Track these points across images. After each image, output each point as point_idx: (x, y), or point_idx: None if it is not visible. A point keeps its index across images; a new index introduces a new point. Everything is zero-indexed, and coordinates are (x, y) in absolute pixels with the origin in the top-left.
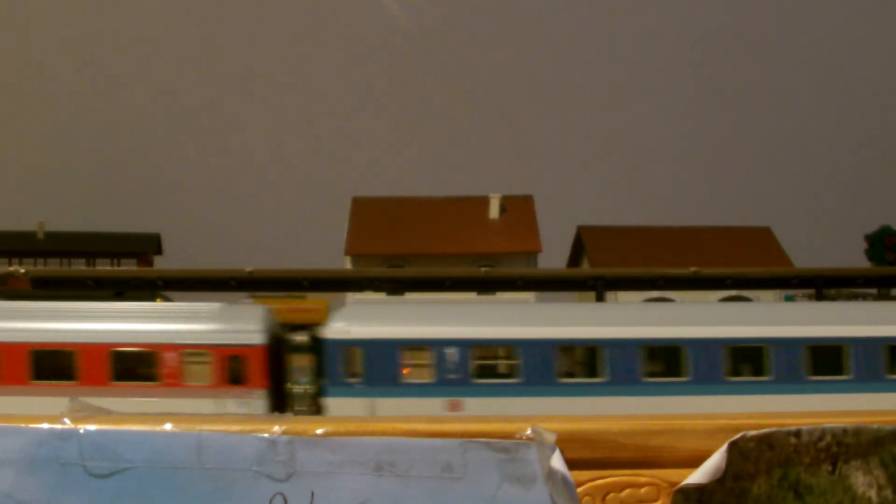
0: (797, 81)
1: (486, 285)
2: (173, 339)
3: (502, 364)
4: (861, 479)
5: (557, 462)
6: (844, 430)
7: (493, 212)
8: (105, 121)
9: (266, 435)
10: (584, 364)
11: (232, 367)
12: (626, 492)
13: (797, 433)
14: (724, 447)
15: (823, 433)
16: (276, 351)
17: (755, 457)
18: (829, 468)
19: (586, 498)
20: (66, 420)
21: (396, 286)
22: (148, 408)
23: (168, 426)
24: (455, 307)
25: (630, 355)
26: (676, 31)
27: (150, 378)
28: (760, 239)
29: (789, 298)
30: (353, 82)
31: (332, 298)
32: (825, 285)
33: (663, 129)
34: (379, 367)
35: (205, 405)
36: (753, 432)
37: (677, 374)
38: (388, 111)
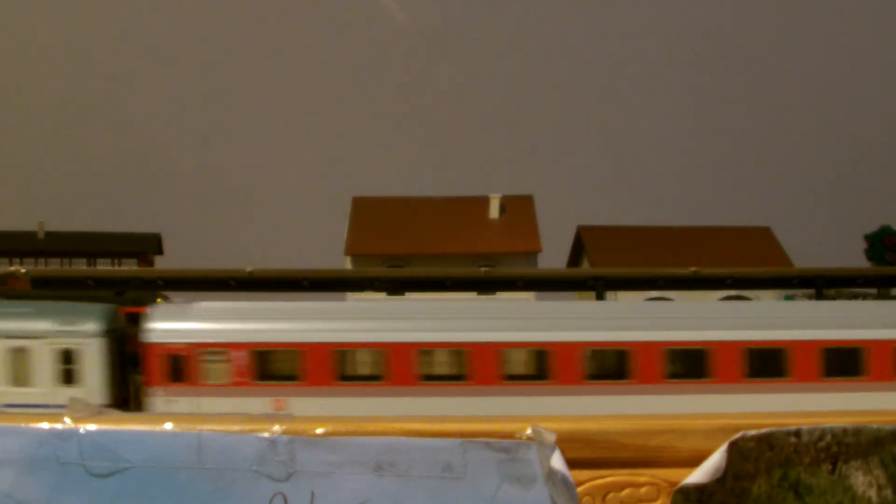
0: (797, 81)
1: (486, 285)
2: (885, 335)
3: None
4: (861, 479)
5: (557, 462)
6: (844, 430)
7: (493, 212)
8: (105, 121)
9: (266, 435)
10: None
11: None
12: (626, 491)
13: (797, 433)
14: (724, 447)
15: (823, 433)
16: None
17: (755, 457)
18: (829, 468)
19: (586, 498)
20: (66, 420)
21: (396, 286)
22: (859, 403)
23: (168, 426)
24: None
25: None
26: (676, 31)
27: (857, 373)
28: (760, 239)
29: (789, 298)
30: (352, 82)
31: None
32: (825, 285)
33: (663, 129)
34: None
35: None
36: (753, 432)
37: None
38: (388, 111)
